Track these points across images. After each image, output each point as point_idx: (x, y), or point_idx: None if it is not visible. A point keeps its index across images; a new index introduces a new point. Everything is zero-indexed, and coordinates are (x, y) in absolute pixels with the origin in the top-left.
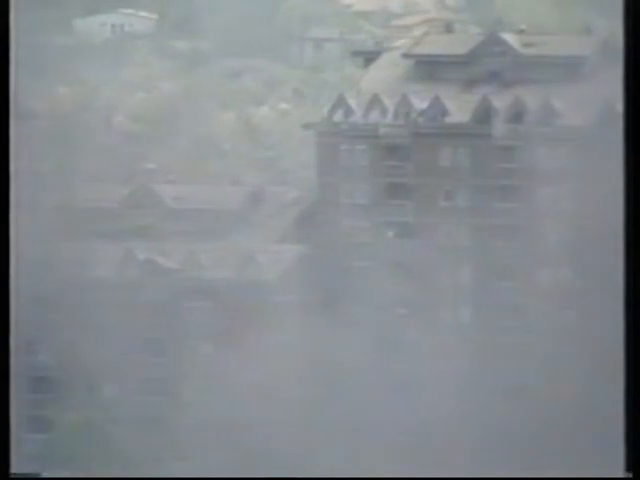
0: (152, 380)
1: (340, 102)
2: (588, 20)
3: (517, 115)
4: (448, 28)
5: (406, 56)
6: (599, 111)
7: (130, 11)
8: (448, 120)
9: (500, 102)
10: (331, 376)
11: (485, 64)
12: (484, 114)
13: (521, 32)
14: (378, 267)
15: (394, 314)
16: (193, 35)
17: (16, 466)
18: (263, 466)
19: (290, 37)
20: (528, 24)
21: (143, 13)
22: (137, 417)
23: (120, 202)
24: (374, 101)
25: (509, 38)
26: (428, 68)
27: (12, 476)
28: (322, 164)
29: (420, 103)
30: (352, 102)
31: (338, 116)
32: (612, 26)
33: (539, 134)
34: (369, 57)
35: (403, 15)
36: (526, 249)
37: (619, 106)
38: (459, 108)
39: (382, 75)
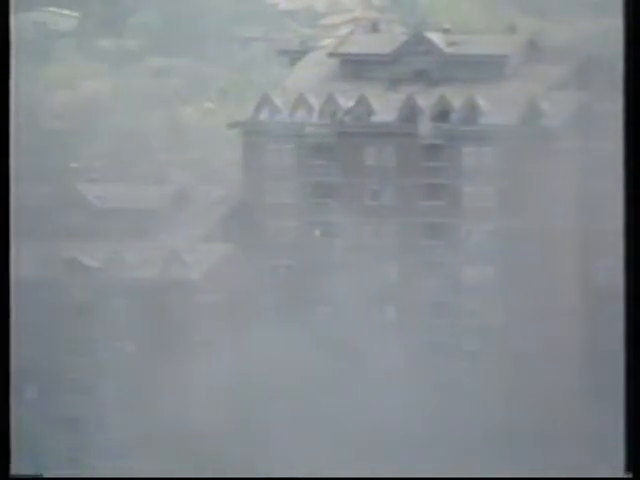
0: (75, 380)
1: (266, 101)
2: (512, 19)
3: (442, 114)
4: (373, 27)
5: (332, 55)
6: (523, 110)
7: (53, 9)
8: (374, 119)
9: (425, 101)
10: (256, 375)
11: (410, 63)
12: (409, 113)
13: (446, 31)
14: (304, 266)
15: (320, 313)
16: (118, 34)
17: None
18: (187, 466)
19: (216, 36)
20: (452, 23)
21: (66, 11)
22: (60, 417)
23: (43, 201)
24: (300, 100)
25: (434, 37)
26: (354, 67)
27: (12, 476)
28: (248, 163)
29: (346, 102)
30: (278, 101)
31: (264, 115)
32: (536, 25)
33: (464, 133)
34: (295, 56)
35: (328, 14)
36: (452, 247)
37: (543, 104)
38: (385, 107)
39: (308, 74)
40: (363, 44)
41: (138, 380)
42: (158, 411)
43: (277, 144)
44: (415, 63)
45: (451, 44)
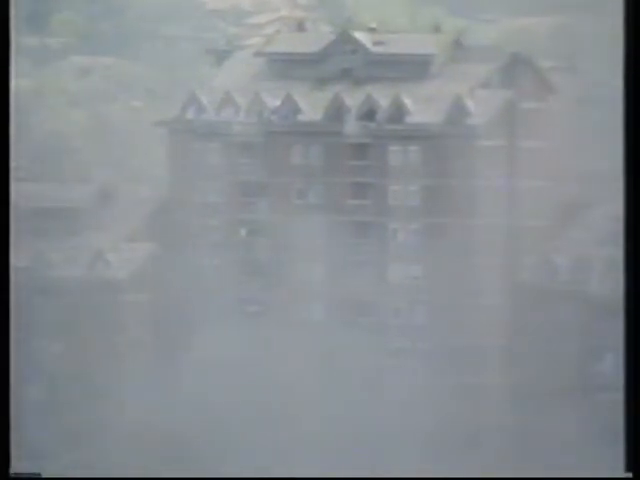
0: None
1: (192, 100)
2: (437, 18)
3: (368, 113)
4: (299, 26)
5: (258, 54)
6: (449, 108)
7: None
8: (300, 118)
9: (352, 100)
10: (181, 375)
11: (337, 62)
12: (336, 112)
13: (372, 30)
14: (231, 265)
15: (247, 312)
16: (42, 31)
17: None
18: (109, 465)
19: (141, 34)
20: (378, 22)
21: None
22: None
23: None
24: (227, 99)
25: (360, 36)
26: (280, 66)
27: (12, 476)
28: (174, 162)
29: (272, 101)
30: (204, 100)
31: (190, 114)
32: (461, 24)
33: (390, 131)
34: (221, 55)
35: (255, 13)
36: (379, 246)
37: (468, 103)
38: (311, 106)
39: (235, 73)
40: (289, 43)
41: (63, 380)
42: (83, 411)
43: (204, 143)
44: (341, 62)
45: (377, 43)
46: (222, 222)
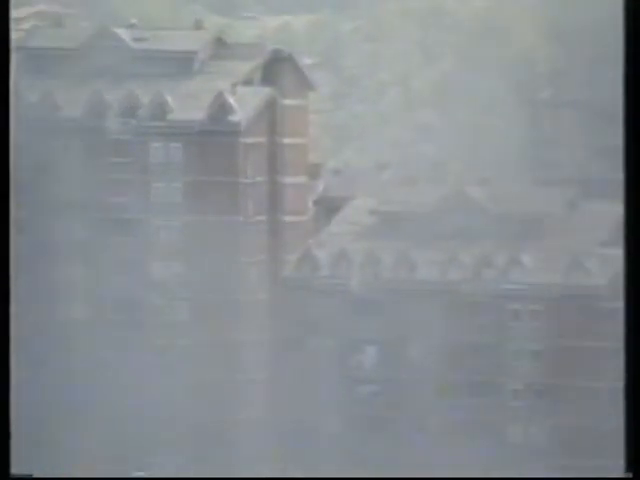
0: None
1: None
2: (199, 15)
3: (130, 109)
4: (58, 21)
5: (16, 49)
6: (210, 105)
7: None
8: (60, 115)
9: (112, 96)
10: None
11: (97, 58)
12: (96, 108)
13: (132, 26)
14: None
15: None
16: None
17: None
18: None
19: None
20: (139, 18)
21: None
22: None
23: None
24: None
25: (120, 32)
26: (38, 62)
27: (12, 476)
28: None
29: (30, 97)
30: None
31: None
32: (222, 22)
33: (152, 128)
34: None
35: (12, 7)
36: (141, 243)
37: (230, 100)
38: (71, 102)
39: None
40: (48, 38)
41: None
42: None
43: None
44: (102, 58)
45: (138, 39)
46: None
